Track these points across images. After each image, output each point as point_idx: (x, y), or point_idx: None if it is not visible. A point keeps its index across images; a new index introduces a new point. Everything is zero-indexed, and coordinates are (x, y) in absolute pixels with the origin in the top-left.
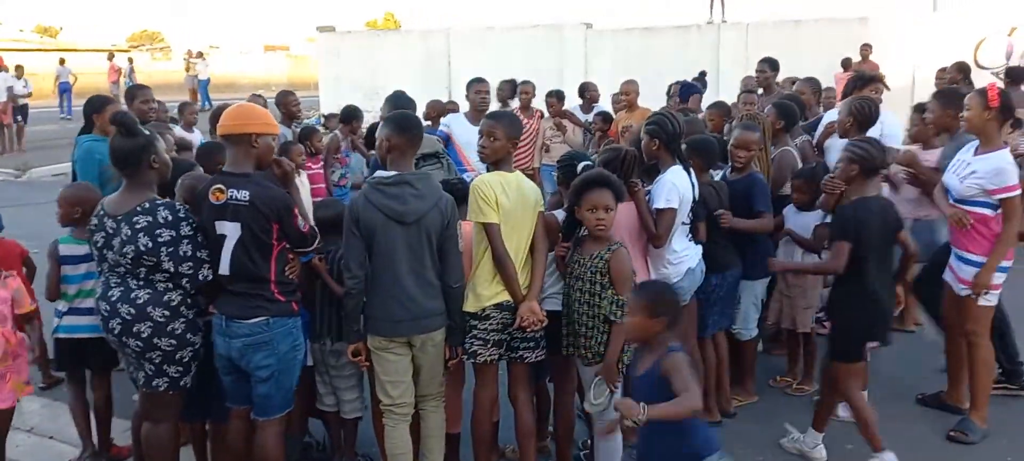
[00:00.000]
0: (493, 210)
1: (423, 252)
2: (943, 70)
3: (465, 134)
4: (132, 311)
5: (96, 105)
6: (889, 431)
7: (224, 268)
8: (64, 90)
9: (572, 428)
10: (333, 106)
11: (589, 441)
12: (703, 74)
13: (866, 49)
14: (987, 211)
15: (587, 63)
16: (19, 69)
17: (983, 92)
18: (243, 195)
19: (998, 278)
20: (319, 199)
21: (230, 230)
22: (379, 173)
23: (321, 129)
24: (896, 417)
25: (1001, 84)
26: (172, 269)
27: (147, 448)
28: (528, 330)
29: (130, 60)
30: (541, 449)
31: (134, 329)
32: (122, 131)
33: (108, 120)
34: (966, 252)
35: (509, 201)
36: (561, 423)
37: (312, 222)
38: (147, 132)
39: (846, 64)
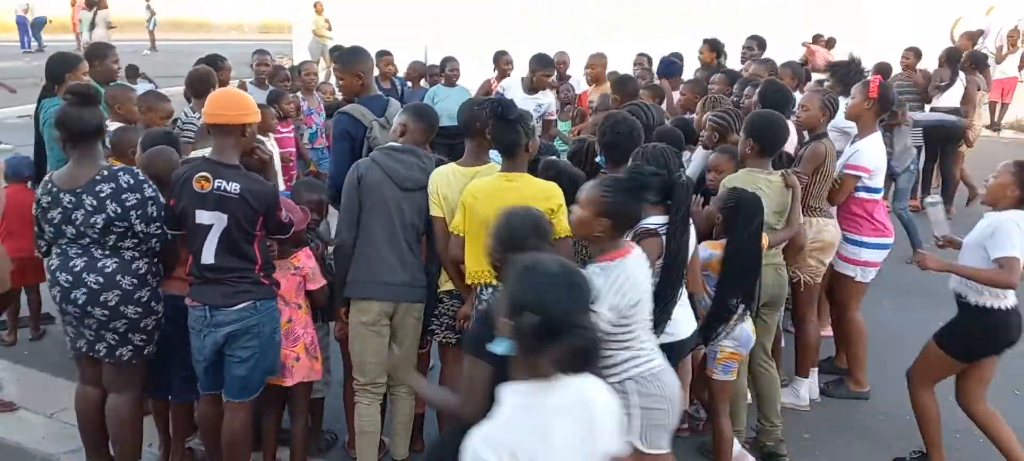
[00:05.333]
0: (437, 205)
1: (412, 225)
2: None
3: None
4: (100, 280)
5: (64, 65)
6: None
7: (208, 258)
8: (21, 22)
9: None
10: (306, 54)
11: None
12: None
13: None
14: (862, 194)
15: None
16: None
17: (866, 84)
18: (233, 187)
19: (877, 255)
20: (302, 180)
21: (214, 220)
22: (393, 142)
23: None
24: None
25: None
26: (143, 230)
27: (111, 418)
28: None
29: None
30: None
31: (101, 298)
32: (81, 101)
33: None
34: (846, 231)
35: (456, 195)
36: None
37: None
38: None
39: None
